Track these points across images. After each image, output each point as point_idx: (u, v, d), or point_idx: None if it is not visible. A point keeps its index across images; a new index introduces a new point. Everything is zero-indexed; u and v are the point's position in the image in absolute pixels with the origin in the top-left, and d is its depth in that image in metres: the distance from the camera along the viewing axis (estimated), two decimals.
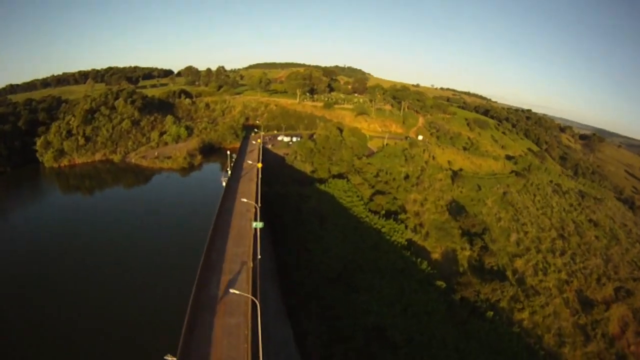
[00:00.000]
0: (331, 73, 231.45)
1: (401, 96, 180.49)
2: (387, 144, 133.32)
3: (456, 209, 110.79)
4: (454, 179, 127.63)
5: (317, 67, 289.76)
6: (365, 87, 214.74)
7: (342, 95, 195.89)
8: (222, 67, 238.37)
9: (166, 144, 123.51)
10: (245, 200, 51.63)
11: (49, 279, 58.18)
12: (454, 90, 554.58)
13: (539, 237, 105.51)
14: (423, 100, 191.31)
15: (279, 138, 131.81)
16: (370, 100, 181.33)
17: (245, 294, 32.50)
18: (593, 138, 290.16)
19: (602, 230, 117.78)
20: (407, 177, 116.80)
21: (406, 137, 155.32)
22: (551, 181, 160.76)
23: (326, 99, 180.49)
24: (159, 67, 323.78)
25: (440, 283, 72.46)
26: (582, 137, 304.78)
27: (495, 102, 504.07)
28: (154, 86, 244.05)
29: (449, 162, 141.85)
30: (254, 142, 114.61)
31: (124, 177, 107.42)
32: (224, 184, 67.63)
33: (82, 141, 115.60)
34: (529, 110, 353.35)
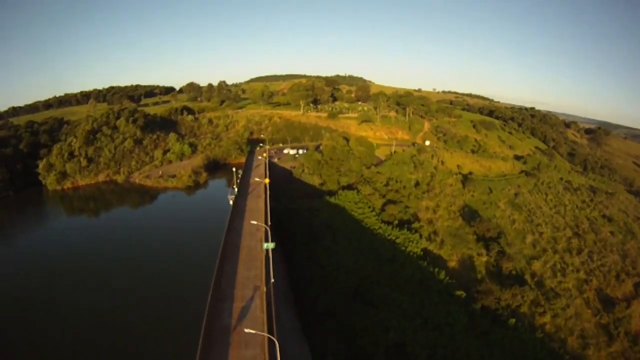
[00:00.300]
0: (333, 82, 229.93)
1: (405, 102, 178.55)
2: (395, 152, 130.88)
3: (469, 214, 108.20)
4: (465, 183, 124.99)
5: (318, 77, 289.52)
6: (369, 94, 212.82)
7: (346, 104, 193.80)
8: (224, 82, 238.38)
9: (170, 162, 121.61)
10: (254, 222, 48.38)
11: (51, 302, 56.82)
12: (456, 93, 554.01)
13: (554, 237, 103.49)
14: (427, 105, 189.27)
15: (285, 151, 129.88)
16: (375, 108, 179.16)
17: (261, 333, 30.18)
18: (598, 132, 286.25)
19: (616, 226, 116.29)
20: (417, 184, 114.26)
21: (413, 144, 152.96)
22: (561, 178, 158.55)
23: (330, 109, 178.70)
24: (161, 84, 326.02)
25: (460, 293, 69.99)
26: (588, 131, 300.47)
27: (498, 102, 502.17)
28: (156, 104, 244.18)
29: (458, 166, 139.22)
30: (259, 156, 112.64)
31: (129, 198, 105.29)
32: (230, 202, 65.35)
33: (84, 162, 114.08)
34: (532, 108, 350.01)
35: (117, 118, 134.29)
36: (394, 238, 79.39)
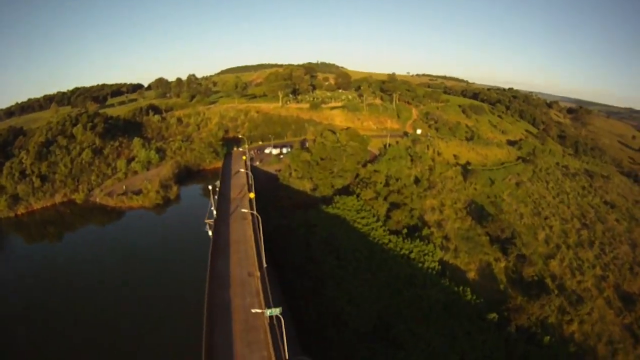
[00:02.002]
0: (311, 70, 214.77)
1: (391, 88, 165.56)
2: (389, 145, 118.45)
3: (476, 211, 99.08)
4: (465, 175, 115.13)
5: (289, 65, 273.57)
6: (350, 81, 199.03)
7: (328, 94, 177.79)
8: (193, 75, 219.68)
9: (136, 172, 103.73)
10: (255, 306, 33.55)
11: None
12: (430, 75, 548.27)
13: (564, 230, 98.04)
14: (413, 90, 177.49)
15: (267, 151, 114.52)
16: (360, 96, 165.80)
17: None
18: (580, 111, 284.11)
19: (619, 212, 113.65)
20: (417, 180, 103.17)
21: (406, 133, 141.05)
22: (558, 163, 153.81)
23: (312, 99, 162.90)
24: (129, 82, 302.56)
25: (493, 316, 59.85)
26: (569, 110, 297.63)
27: (473, 83, 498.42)
28: (122, 103, 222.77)
29: (454, 156, 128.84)
30: (238, 161, 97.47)
31: (82, 223, 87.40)
32: (210, 232, 51.02)
33: (37, 182, 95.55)
34: (510, 89, 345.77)
35: (75, 124, 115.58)
36: (407, 252, 67.78)
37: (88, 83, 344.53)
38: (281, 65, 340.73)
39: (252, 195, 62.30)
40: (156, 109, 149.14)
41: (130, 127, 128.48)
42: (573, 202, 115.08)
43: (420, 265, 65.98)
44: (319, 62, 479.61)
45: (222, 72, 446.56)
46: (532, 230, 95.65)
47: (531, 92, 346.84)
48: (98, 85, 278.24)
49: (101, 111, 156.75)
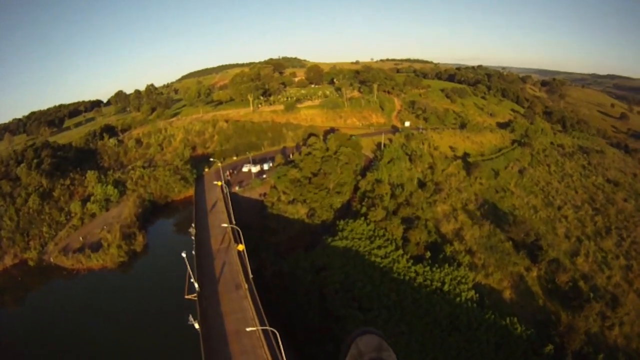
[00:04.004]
0: (279, 67, 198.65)
1: (372, 78, 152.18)
2: (384, 145, 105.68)
3: (491, 211, 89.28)
4: (468, 169, 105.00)
5: (254, 63, 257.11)
6: (321, 75, 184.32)
7: (302, 91, 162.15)
8: (152, 85, 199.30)
9: (93, 215, 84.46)
10: None
11: None
12: (394, 60, 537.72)
13: (578, 219, 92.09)
14: (392, 78, 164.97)
15: (245, 168, 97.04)
16: (337, 90, 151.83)
17: None
18: (554, 83, 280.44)
19: (624, 190, 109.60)
20: (421, 183, 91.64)
21: (395, 128, 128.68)
22: (552, 143, 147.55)
23: (285, 99, 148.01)
24: (87, 99, 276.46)
25: (549, 348, 51.11)
26: (543, 83, 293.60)
27: (438, 63, 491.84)
28: (79, 124, 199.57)
29: (451, 148, 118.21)
30: (214, 197, 79.78)
31: (35, 294, 67.99)
32: (195, 324, 35.60)
33: None
34: (480, 66, 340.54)
35: (20, 162, 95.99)
36: (439, 284, 55.88)
37: (45, 105, 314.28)
38: (243, 65, 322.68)
39: (240, 247, 48.22)
40: (112, 130, 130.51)
41: (84, 157, 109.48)
42: (579, 185, 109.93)
43: (457, 299, 54.41)
44: (281, 58, 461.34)
45: (183, 77, 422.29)
46: (550, 225, 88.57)
47: (504, 68, 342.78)
48: (55, 106, 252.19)
49: (56, 136, 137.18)
